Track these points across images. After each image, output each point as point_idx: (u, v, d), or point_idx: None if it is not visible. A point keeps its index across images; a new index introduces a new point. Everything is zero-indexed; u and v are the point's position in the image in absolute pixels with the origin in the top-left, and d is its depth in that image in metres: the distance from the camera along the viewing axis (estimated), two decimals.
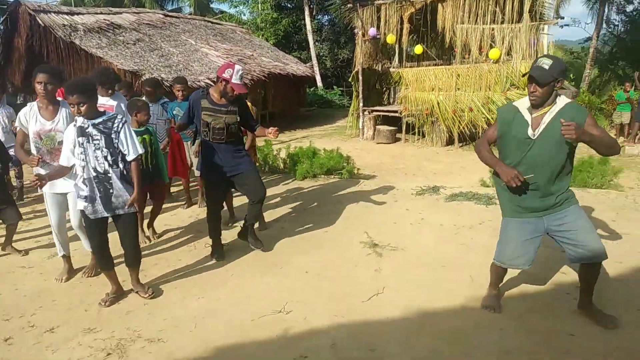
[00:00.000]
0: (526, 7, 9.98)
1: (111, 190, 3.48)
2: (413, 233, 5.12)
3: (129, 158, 3.51)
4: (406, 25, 12.13)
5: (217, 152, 4.36)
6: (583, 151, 8.96)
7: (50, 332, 3.33)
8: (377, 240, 4.89)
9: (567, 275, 3.98)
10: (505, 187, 3.19)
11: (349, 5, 13.00)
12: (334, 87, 23.84)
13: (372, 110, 12.84)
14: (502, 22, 10.33)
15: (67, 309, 3.65)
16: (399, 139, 12.32)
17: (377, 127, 12.60)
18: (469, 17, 10.70)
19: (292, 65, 16.95)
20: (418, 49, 12.41)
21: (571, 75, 23.23)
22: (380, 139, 12.26)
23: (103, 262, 3.73)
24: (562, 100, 3.02)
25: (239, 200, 6.08)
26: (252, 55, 15.84)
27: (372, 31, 12.35)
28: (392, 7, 12.15)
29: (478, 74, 10.58)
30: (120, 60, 11.68)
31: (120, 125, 3.48)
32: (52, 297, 3.84)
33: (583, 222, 3.08)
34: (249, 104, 4.88)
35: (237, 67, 4.19)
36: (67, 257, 4.21)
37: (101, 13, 14.15)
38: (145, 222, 5.10)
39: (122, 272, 3.88)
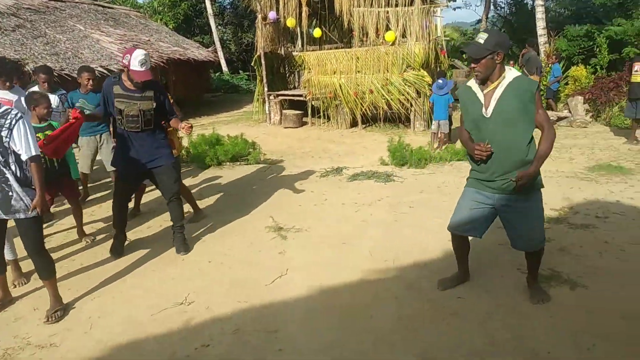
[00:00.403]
0: None
1: (10, 193, 3.15)
2: (317, 214, 5.24)
3: (22, 158, 3.13)
4: (305, 9, 12.16)
5: (132, 143, 4.12)
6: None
7: None
8: (282, 223, 4.95)
9: None
10: (471, 161, 3.21)
11: None
12: (240, 71, 23.47)
13: (278, 95, 12.82)
14: (396, 5, 10.69)
15: None
16: (305, 123, 12.43)
17: (284, 111, 12.61)
18: (365, 1, 10.95)
19: (193, 50, 16.43)
20: (317, 33, 12.52)
21: (463, 56, 24.62)
22: (287, 123, 12.29)
23: None
24: (511, 74, 2.98)
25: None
26: (149, 40, 15.14)
27: (271, 15, 12.27)
28: None
29: (376, 57, 10.90)
30: None
31: (14, 122, 3.08)
32: None
33: (529, 211, 3.07)
34: None
35: (135, 52, 3.89)
36: None
37: None
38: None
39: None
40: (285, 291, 3.60)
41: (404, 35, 10.85)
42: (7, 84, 4.60)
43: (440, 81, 8.66)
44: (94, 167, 6.26)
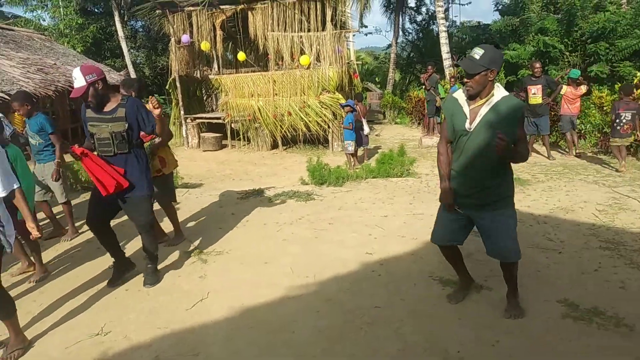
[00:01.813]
0: (328, 17, 10.82)
1: None
2: (238, 235, 5.24)
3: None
4: (219, 32, 12.24)
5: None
6: (388, 146, 10.02)
7: None
8: (202, 247, 4.90)
9: (373, 255, 4.47)
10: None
11: (158, 12, 12.64)
12: (155, 95, 22.91)
13: (195, 118, 12.69)
14: (309, 30, 11.05)
15: None
16: (225, 146, 12.39)
17: (202, 134, 12.51)
18: (279, 25, 11.23)
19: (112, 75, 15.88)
20: (241, 56, 12.61)
21: (376, 79, 25.78)
22: (206, 146, 12.19)
23: None
24: (500, 92, 2.98)
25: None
26: (55, 64, 14.44)
27: (184, 38, 12.21)
28: (202, 14, 12.15)
29: (292, 80, 11.16)
30: None
31: None
32: None
33: (503, 224, 3.10)
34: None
35: (74, 71, 3.71)
36: None
37: None
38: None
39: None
40: (206, 314, 3.58)
41: (318, 59, 11.22)
42: None
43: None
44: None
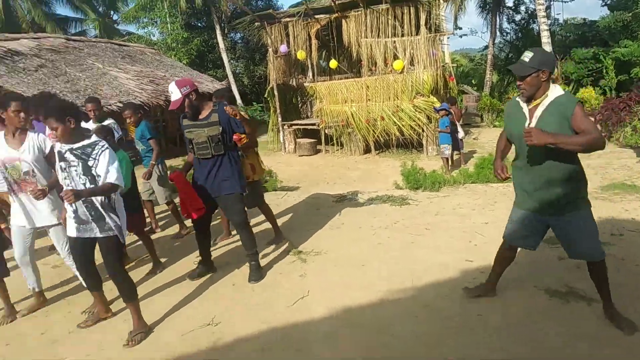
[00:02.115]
0: (422, 21, 10.71)
1: (95, 213, 3.38)
2: (334, 237, 5.36)
3: (100, 182, 3.32)
4: (314, 41, 12.57)
5: (202, 169, 4.25)
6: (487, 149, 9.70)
7: None
8: (301, 247, 5.08)
9: (474, 262, 4.37)
10: (514, 177, 3.30)
11: (257, 24, 13.25)
12: (254, 103, 23.96)
13: (291, 124, 13.12)
14: (403, 35, 11.02)
15: None
16: (319, 151, 12.68)
17: (298, 140, 12.90)
18: (372, 32, 11.31)
19: (207, 84, 16.90)
20: (333, 64, 12.87)
21: (472, 81, 24.94)
22: (302, 151, 12.55)
23: (89, 283, 3.66)
24: (555, 92, 2.99)
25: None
26: (165, 75, 15.64)
27: (282, 48, 12.67)
28: (298, 24, 12.54)
29: (386, 85, 11.18)
30: (22, 87, 11.12)
31: (100, 152, 3.31)
32: None
33: (577, 225, 3.07)
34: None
35: (169, 86, 4.12)
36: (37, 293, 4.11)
37: None
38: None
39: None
40: (307, 312, 3.71)
41: (412, 63, 11.14)
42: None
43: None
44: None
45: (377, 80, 11.34)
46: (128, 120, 5.85)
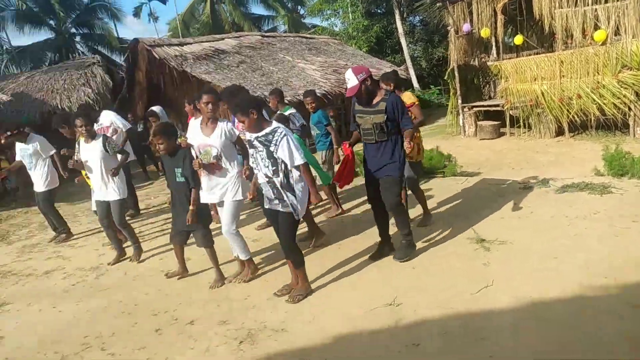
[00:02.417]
0: None
1: (276, 192, 3.88)
2: (521, 226, 5.05)
3: (289, 166, 3.79)
4: (500, 17, 11.76)
5: (368, 153, 4.52)
6: None
7: (191, 324, 3.83)
8: (484, 235, 4.89)
9: None
10: None
11: (438, 4, 12.90)
12: (431, 86, 23.54)
13: (472, 107, 12.58)
14: (606, 1, 9.66)
15: (203, 305, 4.15)
16: (503, 134, 11.92)
17: (479, 123, 12.31)
18: (568, 1, 10.14)
19: (386, 70, 17.09)
20: (518, 40, 11.93)
21: None
22: (483, 134, 11.96)
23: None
24: None
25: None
26: (346, 64, 16.23)
27: (465, 27, 12.15)
28: (483, 1, 11.86)
29: (584, 59, 9.96)
30: (226, 82, 12.62)
31: (280, 138, 3.75)
32: (189, 296, 4.38)
33: None
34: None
35: (345, 73, 4.42)
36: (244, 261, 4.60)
37: (206, 41, 15.41)
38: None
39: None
40: (491, 301, 3.59)
41: (616, 33, 9.74)
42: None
43: None
44: None
45: (573, 55, 10.16)
46: (308, 106, 6.29)
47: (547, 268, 3.99)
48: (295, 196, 3.87)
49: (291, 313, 3.80)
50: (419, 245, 4.85)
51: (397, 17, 23.16)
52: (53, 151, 6.57)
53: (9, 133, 6.65)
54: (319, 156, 6.27)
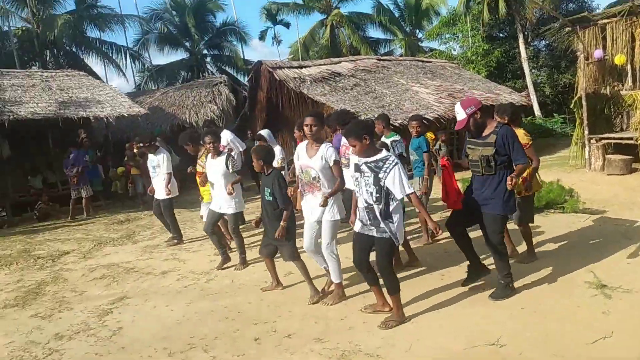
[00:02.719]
0: None
1: (373, 218, 3.89)
2: None
3: (397, 197, 3.80)
4: (638, 43, 10.77)
5: (473, 184, 4.45)
6: None
7: (288, 337, 3.94)
8: (605, 281, 4.45)
9: None
10: None
11: (567, 29, 12.14)
12: (555, 114, 22.10)
13: (601, 138, 11.58)
14: None
15: (301, 319, 4.25)
16: (635, 170, 10.82)
17: (608, 156, 11.29)
18: None
19: (505, 96, 16.36)
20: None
21: None
22: (612, 169, 10.94)
23: (367, 278, 4.16)
24: None
25: None
26: (462, 89, 15.84)
27: (597, 53, 11.27)
28: (619, 25, 10.94)
29: None
30: (340, 104, 12.94)
31: (391, 166, 3.78)
32: (289, 309, 4.51)
33: None
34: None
35: (455, 107, 4.40)
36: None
37: (324, 64, 15.97)
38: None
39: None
40: (609, 354, 3.26)
41: None
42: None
43: None
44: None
45: None
46: (413, 130, 6.25)
47: None
48: (393, 224, 3.86)
49: (387, 340, 3.74)
50: (530, 282, 4.56)
51: (521, 41, 22.21)
52: (170, 171, 7.11)
53: (141, 145, 7.46)
54: (416, 182, 6.16)
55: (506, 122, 4.72)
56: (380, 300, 4.19)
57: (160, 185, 7.14)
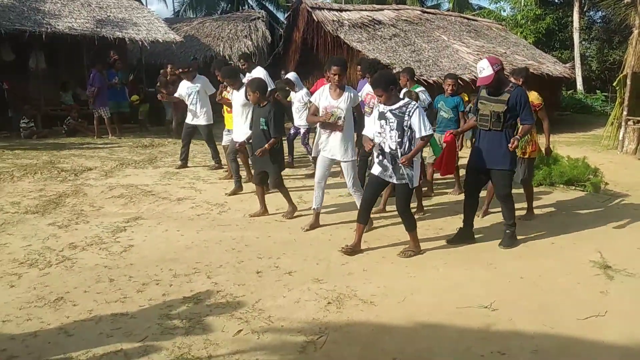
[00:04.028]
0: None
1: (394, 164, 4.31)
2: None
3: (417, 136, 4.21)
4: None
5: (479, 141, 4.73)
6: None
7: (289, 274, 4.07)
8: (611, 262, 4.42)
9: None
10: None
11: (626, 1, 11.45)
12: (597, 91, 21.27)
13: (638, 121, 11.16)
14: None
15: (304, 259, 4.37)
16: None
17: None
18: None
19: (548, 65, 15.73)
20: None
21: None
22: None
23: (361, 215, 4.55)
24: None
25: None
26: (505, 53, 15.27)
27: None
28: None
29: None
30: (375, 54, 12.67)
31: (413, 109, 4.17)
32: (294, 248, 4.64)
33: None
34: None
35: (479, 63, 4.58)
36: (316, 212, 5.19)
37: (365, 10, 15.51)
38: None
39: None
40: (599, 332, 3.28)
41: None
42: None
43: None
44: None
45: None
46: (448, 88, 6.35)
47: None
48: (412, 169, 4.28)
49: (383, 289, 3.84)
50: (535, 254, 4.58)
51: (576, 9, 21.11)
52: (214, 91, 7.42)
53: (180, 70, 7.73)
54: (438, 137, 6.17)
55: (520, 83, 4.98)
56: (358, 240, 4.53)
57: (203, 113, 7.52)
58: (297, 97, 7.53)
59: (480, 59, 13.94)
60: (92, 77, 10.56)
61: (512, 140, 4.39)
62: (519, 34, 21.62)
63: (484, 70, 4.46)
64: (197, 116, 7.56)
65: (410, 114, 4.16)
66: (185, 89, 7.56)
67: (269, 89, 7.87)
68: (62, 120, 11.32)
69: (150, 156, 8.72)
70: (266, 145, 5.11)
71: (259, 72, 7.79)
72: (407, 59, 13.07)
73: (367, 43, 13.39)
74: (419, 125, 4.16)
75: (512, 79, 5.06)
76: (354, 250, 4.48)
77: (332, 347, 3.06)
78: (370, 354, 3.03)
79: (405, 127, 4.19)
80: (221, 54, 14.96)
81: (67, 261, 4.25)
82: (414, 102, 4.24)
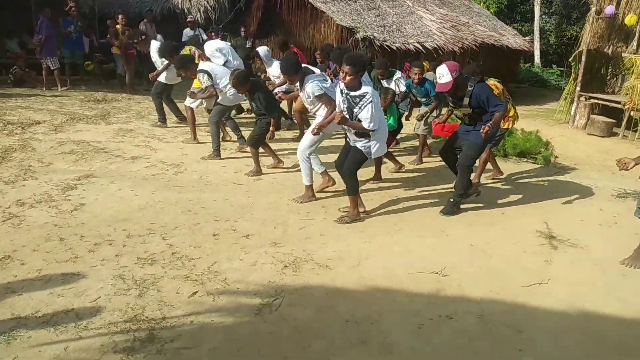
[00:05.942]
0: None
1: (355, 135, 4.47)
2: (600, 234, 4.74)
3: (364, 125, 4.24)
4: None
5: (462, 125, 5.06)
6: None
7: (246, 237, 4.07)
8: (555, 233, 4.65)
9: None
10: None
11: None
12: (553, 66, 21.79)
13: (590, 97, 11.56)
14: None
15: (261, 223, 4.37)
16: (615, 134, 10.95)
17: (592, 116, 11.34)
18: None
19: (509, 38, 15.90)
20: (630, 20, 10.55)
21: None
22: (593, 130, 11.03)
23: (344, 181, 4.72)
24: None
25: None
26: (467, 22, 15.32)
27: (608, 9, 10.94)
28: None
29: None
30: (339, 16, 12.45)
31: (366, 104, 4.17)
32: (251, 212, 4.62)
33: None
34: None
35: (439, 68, 4.65)
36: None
37: None
38: None
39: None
40: (540, 299, 3.47)
41: None
42: None
43: None
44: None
45: None
46: (415, 76, 6.28)
47: (616, 282, 3.76)
48: (368, 141, 4.40)
49: (339, 253, 3.91)
50: (484, 222, 4.75)
51: None
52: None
53: (133, 42, 7.93)
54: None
55: (479, 80, 5.08)
56: (354, 210, 4.62)
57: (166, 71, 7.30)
58: (273, 72, 7.31)
59: (443, 27, 14.07)
60: (39, 24, 9.87)
61: (482, 127, 4.50)
62: (481, 3, 21.71)
63: (443, 77, 4.55)
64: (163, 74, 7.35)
65: (362, 107, 4.20)
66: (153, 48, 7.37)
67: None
68: (8, 69, 10.65)
69: (103, 111, 8.38)
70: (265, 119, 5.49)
71: (262, 51, 7.63)
72: (372, 23, 12.91)
73: (331, 4, 13.10)
74: (368, 119, 4.18)
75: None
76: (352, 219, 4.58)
77: (287, 310, 3.11)
78: (324, 317, 3.10)
79: (353, 113, 4.28)
80: (179, 7, 14.32)
81: (14, 218, 4.09)
82: (369, 95, 4.16)
